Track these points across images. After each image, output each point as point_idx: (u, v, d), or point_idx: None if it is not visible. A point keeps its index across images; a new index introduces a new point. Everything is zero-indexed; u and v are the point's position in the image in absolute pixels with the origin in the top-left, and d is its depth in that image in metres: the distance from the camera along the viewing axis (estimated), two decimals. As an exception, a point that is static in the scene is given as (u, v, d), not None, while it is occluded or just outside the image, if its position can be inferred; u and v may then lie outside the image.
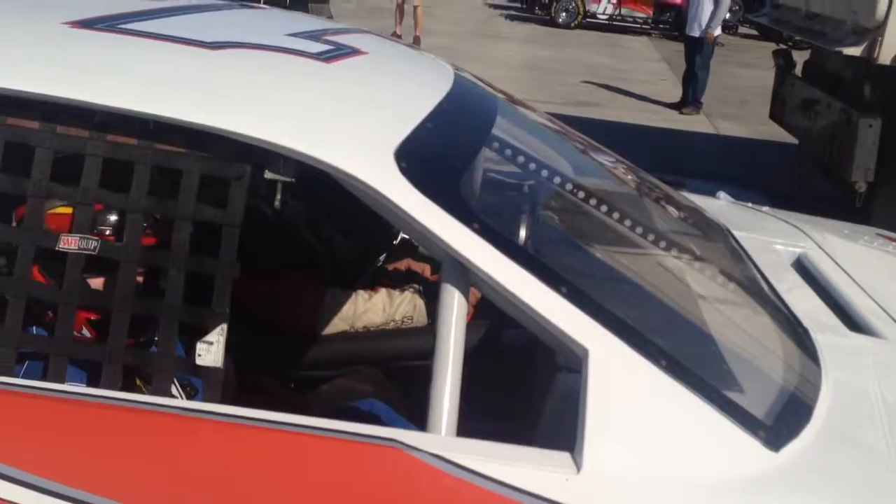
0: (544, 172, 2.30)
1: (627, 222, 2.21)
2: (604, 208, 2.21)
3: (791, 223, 2.83)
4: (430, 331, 1.69)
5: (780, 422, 1.66)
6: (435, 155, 1.78)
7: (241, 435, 1.53)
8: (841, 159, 5.58)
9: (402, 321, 2.41)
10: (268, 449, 1.52)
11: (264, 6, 2.80)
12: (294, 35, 2.12)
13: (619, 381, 1.58)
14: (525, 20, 19.79)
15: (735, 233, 2.57)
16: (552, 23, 18.88)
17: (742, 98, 11.09)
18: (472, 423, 1.66)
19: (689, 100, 10.65)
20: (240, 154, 1.66)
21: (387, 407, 2.30)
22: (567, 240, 2.36)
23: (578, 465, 1.52)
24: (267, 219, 2.40)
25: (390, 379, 2.49)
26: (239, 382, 2.13)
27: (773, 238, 2.66)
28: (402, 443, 1.51)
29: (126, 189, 1.64)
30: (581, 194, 2.29)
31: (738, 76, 12.76)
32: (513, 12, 20.72)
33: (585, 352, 1.58)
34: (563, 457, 1.54)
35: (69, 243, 1.61)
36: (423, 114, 1.86)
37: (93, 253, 1.61)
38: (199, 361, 1.62)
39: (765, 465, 1.56)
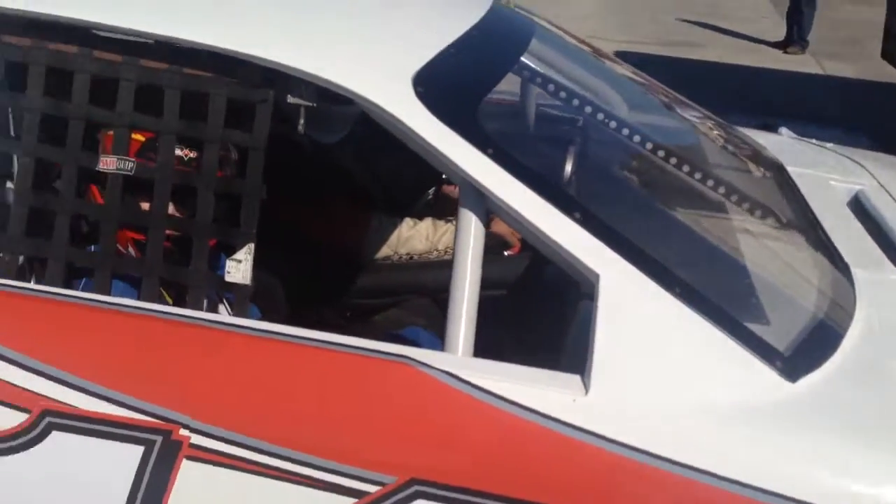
0: (576, 102, 2.28)
1: (665, 154, 2.18)
2: (637, 139, 2.18)
3: (854, 160, 2.73)
4: None
5: (802, 352, 1.64)
6: (454, 81, 1.80)
7: (263, 347, 1.61)
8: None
9: (446, 251, 2.45)
10: (285, 360, 1.61)
11: None
12: None
13: (630, 307, 1.59)
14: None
15: (790, 169, 2.50)
16: (646, -45, 18.22)
17: (852, 36, 10.53)
18: (499, 351, 1.70)
19: (794, 38, 10.18)
20: (264, 79, 1.71)
21: (431, 335, 2.35)
22: (599, 172, 2.34)
23: (587, 387, 1.55)
24: (316, 151, 2.46)
25: (443, 310, 2.54)
26: (296, 312, 2.22)
27: (830, 174, 2.58)
28: (413, 359, 1.57)
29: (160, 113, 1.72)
30: (613, 125, 2.27)
31: (847, 12, 12.09)
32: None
33: (597, 276, 1.59)
34: (573, 379, 1.57)
35: (107, 164, 1.72)
36: (448, 41, 1.88)
37: (129, 174, 1.71)
38: (227, 278, 1.71)
39: (779, 395, 1.55)
